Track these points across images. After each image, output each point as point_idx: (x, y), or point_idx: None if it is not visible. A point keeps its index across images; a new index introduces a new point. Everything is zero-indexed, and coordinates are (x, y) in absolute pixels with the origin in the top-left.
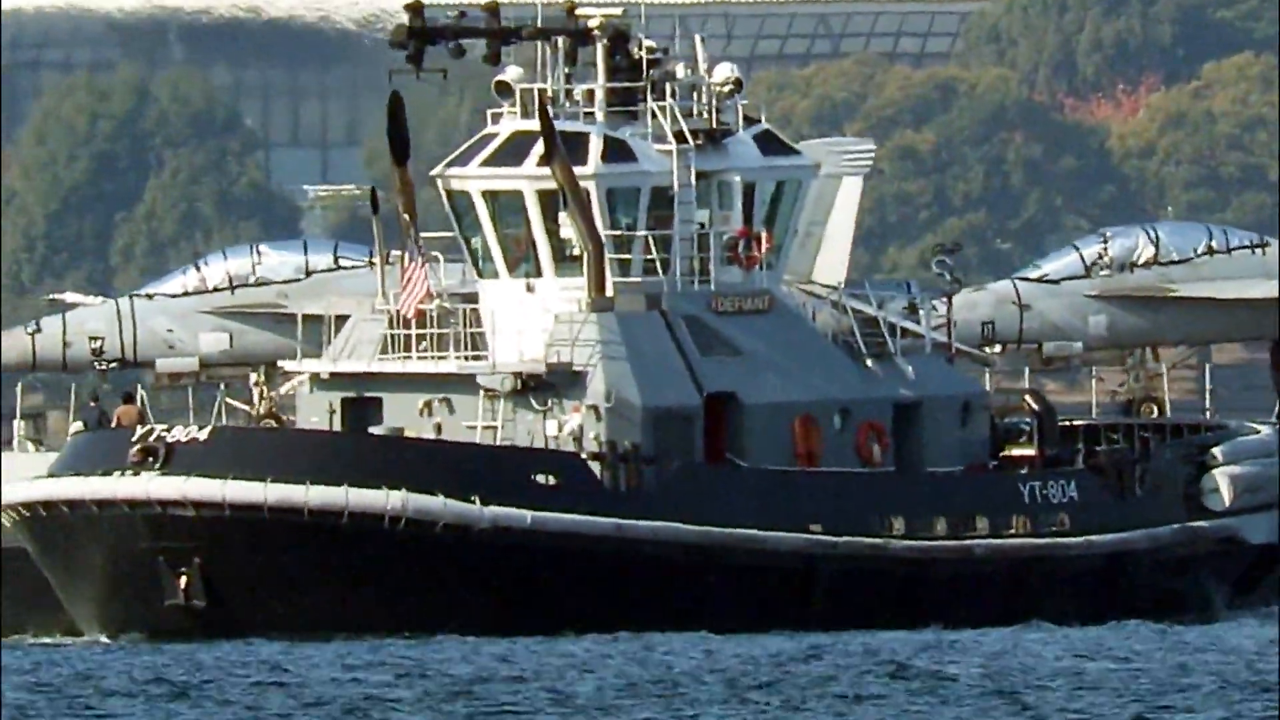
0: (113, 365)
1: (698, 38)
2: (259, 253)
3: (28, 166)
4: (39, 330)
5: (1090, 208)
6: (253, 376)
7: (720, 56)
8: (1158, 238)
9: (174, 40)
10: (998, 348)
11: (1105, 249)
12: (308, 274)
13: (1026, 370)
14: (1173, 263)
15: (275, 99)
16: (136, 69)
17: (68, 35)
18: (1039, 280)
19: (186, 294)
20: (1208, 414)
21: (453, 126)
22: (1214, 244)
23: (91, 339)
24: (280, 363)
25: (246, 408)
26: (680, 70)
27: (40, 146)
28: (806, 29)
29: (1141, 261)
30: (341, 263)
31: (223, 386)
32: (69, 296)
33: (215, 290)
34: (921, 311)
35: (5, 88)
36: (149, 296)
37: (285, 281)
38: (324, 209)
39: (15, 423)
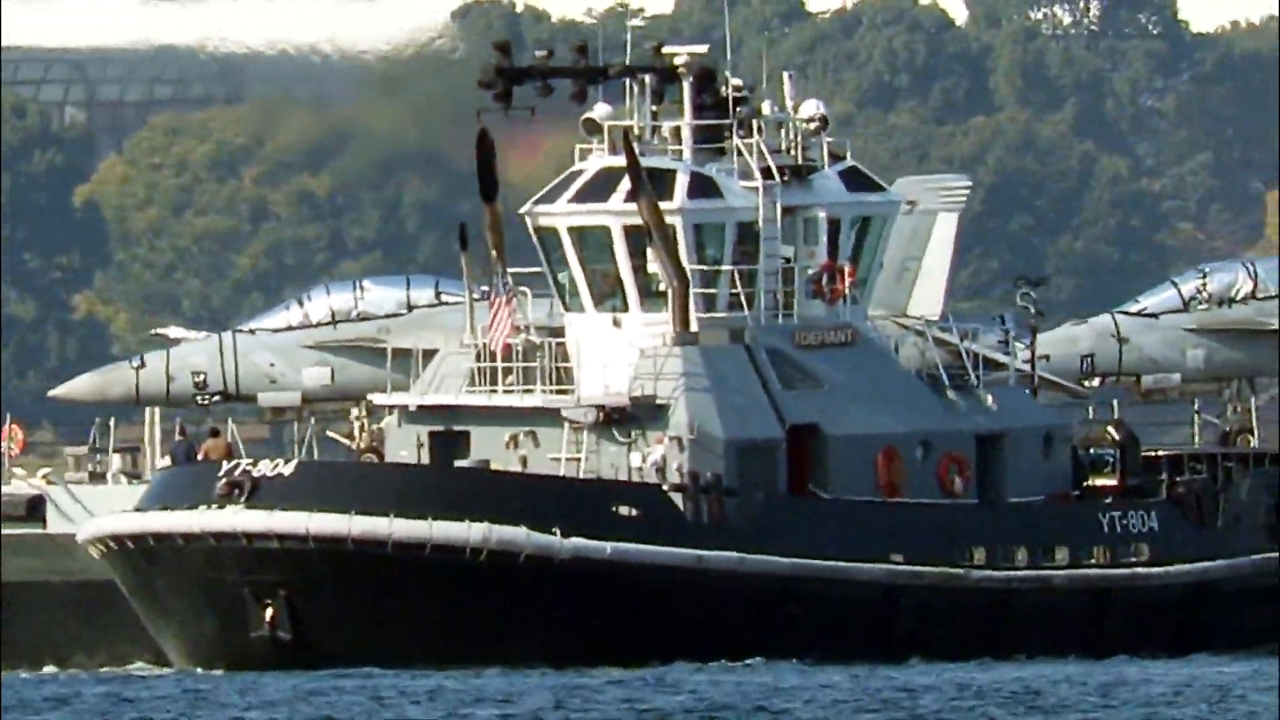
0: (215, 399)
1: (785, 75)
2: (362, 288)
3: None
4: (143, 365)
5: None
6: (354, 411)
7: None
8: (1256, 272)
9: None
10: (1096, 381)
11: (1204, 284)
12: (409, 309)
13: (1115, 402)
14: (1270, 297)
15: None
16: None
17: None
18: (1138, 314)
19: (290, 328)
20: None
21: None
22: None
23: (194, 374)
24: (370, 396)
25: (348, 441)
26: (767, 107)
27: None
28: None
29: (1240, 296)
30: (443, 298)
31: (312, 421)
32: (173, 332)
33: (318, 325)
34: (1012, 344)
35: None
36: (251, 331)
37: (387, 316)
38: None
39: (111, 456)
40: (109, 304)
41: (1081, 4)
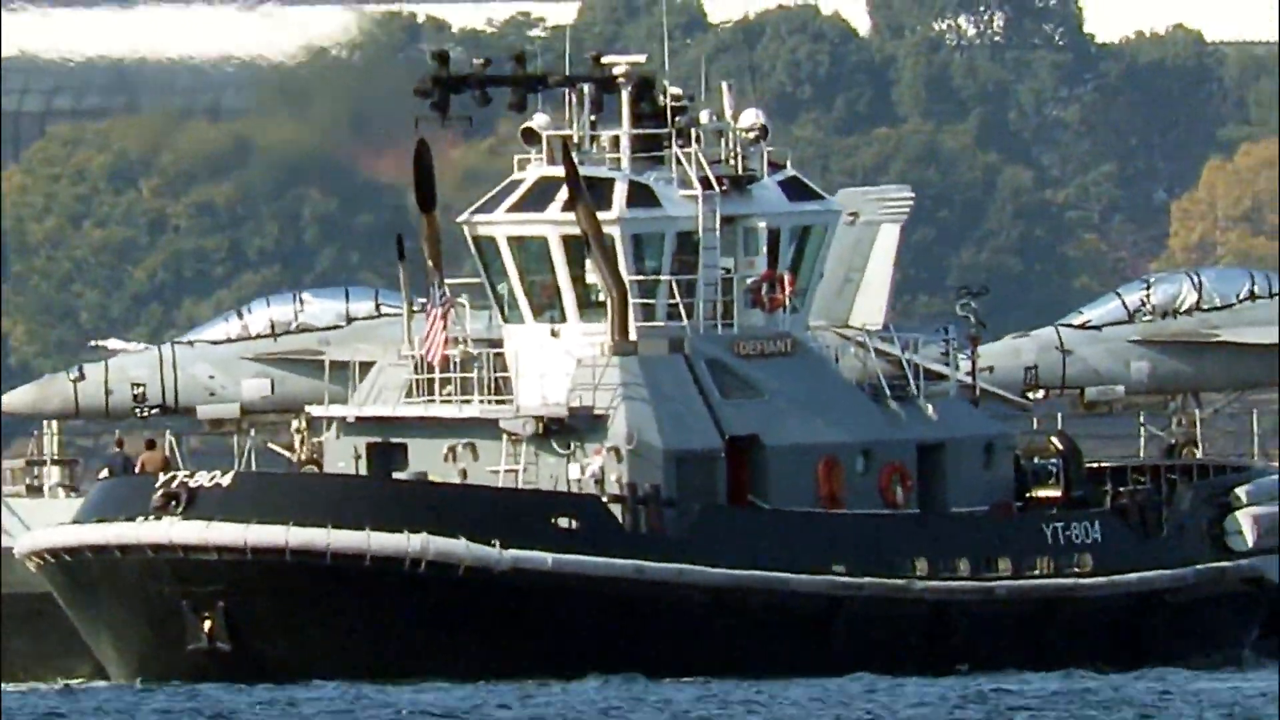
0: (154, 412)
1: (724, 84)
2: (301, 300)
3: None
4: (82, 377)
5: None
6: (294, 423)
7: None
8: (1201, 283)
9: None
10: (1040, 393)
11: (1148, 295)
12: (349, 321)
13: (1059, 414)
14: (1215, 308)
15: None
16: None
17: None
18: (1082, 326)
19: (229, 340)
20: (1255, 458)
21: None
22: (1256, 289)
23: (133, 386)
24: (307, 408)
25: (289, 454)
26: (705, 116)
27: None
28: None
29: (1184, 308)
30: (383, 310)
31: (252, 432)
32: (112, 343)
33: (257, 337)
34: (956, 355)
35: None
36: (190, 343)
37: (327, 328)
38: None
39: (48, 468)
40: (7, 316)
41: (985, 15)
